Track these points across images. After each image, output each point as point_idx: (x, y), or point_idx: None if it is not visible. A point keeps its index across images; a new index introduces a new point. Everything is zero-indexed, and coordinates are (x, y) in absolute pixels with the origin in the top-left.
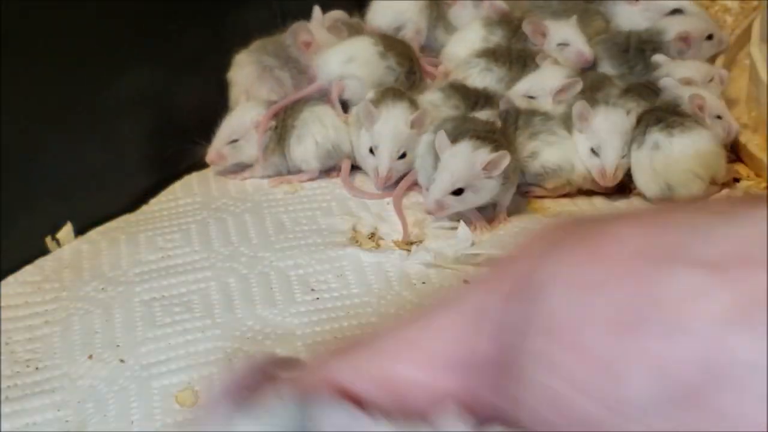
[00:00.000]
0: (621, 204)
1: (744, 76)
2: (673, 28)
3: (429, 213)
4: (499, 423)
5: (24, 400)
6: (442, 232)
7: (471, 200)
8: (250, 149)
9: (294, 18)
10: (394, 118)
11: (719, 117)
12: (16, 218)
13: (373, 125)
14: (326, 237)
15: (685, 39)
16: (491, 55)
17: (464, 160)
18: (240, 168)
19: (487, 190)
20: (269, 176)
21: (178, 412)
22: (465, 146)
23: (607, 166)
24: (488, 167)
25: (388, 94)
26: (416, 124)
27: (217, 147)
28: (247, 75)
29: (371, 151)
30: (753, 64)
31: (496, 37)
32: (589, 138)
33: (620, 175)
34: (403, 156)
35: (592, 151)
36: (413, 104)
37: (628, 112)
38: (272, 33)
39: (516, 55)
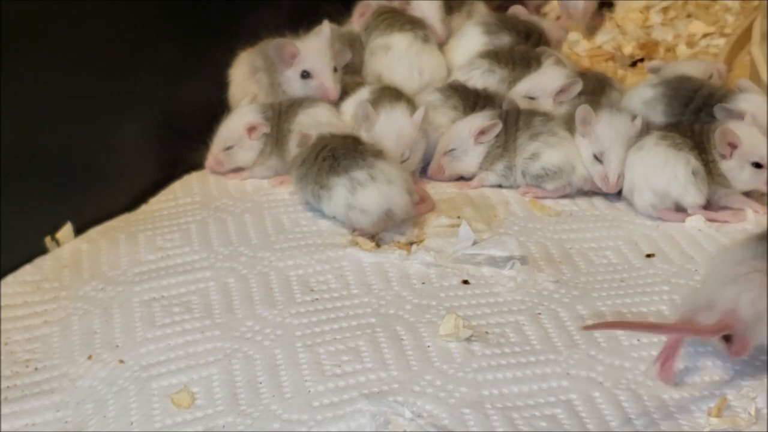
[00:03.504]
0: (620, 205)
1: (745, 75)
2: (742, 105)
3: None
4: None
5: (23, 401)
6: (443, 231)
7: None
8: (244, 155)
9: (301, 18)
10: (396, 120)
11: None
12: (15, 217)
13: (372, 127)
14: (326, 237)
15: (732, 145)
16: (494, 56)
17: None
18: (239, 168)
19: None
20: (267, 177)
21: (177, 413)
22: None
23: (611, 174)
24: None
25: (385, 93)
26: (421, 124)
27: (215, 154)
28: (241, 73)
29: None
30: (753, 64)
31: (502, 42)
32: (592, 143)
33: (623, 182)
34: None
35: (595, 157)
36: (410, 103)
37: (633, 118)
38: (282, 33)
39: (519, 56)
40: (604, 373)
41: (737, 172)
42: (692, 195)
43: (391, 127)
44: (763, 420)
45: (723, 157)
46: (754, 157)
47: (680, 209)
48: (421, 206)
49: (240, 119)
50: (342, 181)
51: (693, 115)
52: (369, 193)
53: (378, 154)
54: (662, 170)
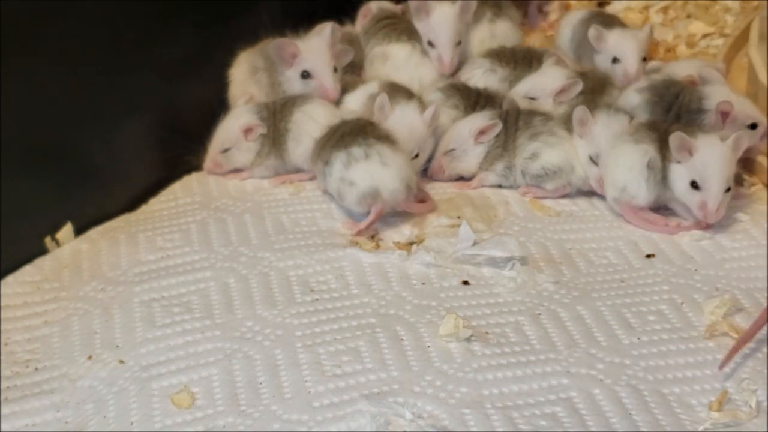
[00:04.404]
0: None
1: (743, 76)
2: (718, 97)
3: (715, 219)
4: None
5: (23, 401)
6: (443, 231)
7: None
8: (242, 156)
9: (297, 19)
10: (409, 117)
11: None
12: (15, 217)
13: (386, 120)
14: (326, 238)
15: (724, 113)
16: (495, 56)
17: (727, 154)
18: (239, 168)
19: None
20: (267, 177)
21: (178, 414)
22: (717, 139)
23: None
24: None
25: (395, 89)
26: (432, 122)
27: (212, 156)
28: (241, 73)
29: None
30: (751, 65)
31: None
32: (588, 145)
33: None
34: (415, 156)
35: (591, 159)
36: (420, 102)
37: (631, 119)
38: (283, 33)
39: (521, 55)
40: (605, 370)
41: (676, 178)
42: (641, 191)
43: (404, 123)
44: (764, 413)
45: (677, 161)
46: (694, 174)
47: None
48: (422, 206)
49: (236, 121)
50: (341, 156)
51: (673, 122)
52: (360, 167)
53: (383, 138)
54: (619, 161)
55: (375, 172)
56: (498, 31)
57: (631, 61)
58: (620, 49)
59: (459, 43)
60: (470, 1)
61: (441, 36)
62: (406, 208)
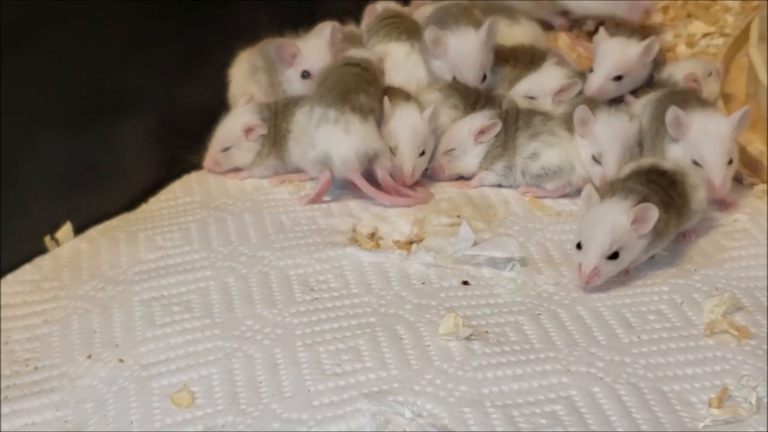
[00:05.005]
0: None
1: (743, 76)
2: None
3: (585, 284)
4: None
5: (23, 400)
6: (443, 230)
7: (626, 262)
8: (242, 156)
9: (297, 19)
10: (410, 117)
11: None
12: (15, 217)
13: (386, 123)
14: (326, 237)
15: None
16: (495, 54)
17: (616, 220)
18: (238, 168)
19: (638, 249)
20: (267, 177)
21: (177, 413)
22: (614, 204)
23: (609, 174)
24: (636, 224)
25: (393, 93)
26: (432, 121)
27: (213, 155)
28: (241, 72)
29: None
30: (751, 65)
31: None
32: (590, 144)
33: None
34: (421, 154)
35: (594, 158)
36: (418, 102)
37: (630, 118)
38: (282, 33)
39: (521, 54)
40: (604, 368)
41: None
42: None
43: (406, 124)
44: (764, 409)
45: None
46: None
47: None
48: (408, 200)
49: (237, 120)
50: (319, 111)
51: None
52: (326, 130)
53: (357, 109)
54: None
55: (333, 137)
56: None
57: (715, 170)
58: (701, 150)
59: (484, 77)
60: (497, 23)
61: (465, 71)
62: (366, 191)
